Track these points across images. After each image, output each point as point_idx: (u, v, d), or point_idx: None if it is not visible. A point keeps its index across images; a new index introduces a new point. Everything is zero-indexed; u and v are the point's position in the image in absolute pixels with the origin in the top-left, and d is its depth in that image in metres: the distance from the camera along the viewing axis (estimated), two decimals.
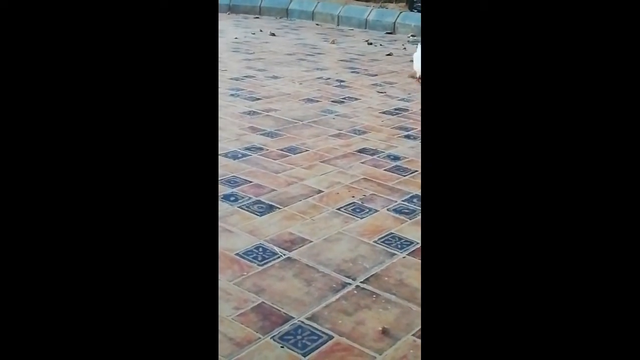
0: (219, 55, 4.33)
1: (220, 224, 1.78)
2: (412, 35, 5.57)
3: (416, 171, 2.28)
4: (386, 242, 1.72)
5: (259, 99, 3.26)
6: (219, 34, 5.31)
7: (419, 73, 3.62)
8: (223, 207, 1.90)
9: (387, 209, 1.94)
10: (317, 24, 6.18)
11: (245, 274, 1.52)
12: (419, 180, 2.17)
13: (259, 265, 1.57)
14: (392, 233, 1.77)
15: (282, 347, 1.25)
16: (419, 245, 1.70)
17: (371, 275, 1.54)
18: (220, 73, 3.80)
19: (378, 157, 2.44)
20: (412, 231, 1.78)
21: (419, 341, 1.29)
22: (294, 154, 2.42)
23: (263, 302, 1.40)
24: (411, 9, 6.09)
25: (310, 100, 3.27)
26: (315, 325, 1.33)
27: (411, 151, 2.51)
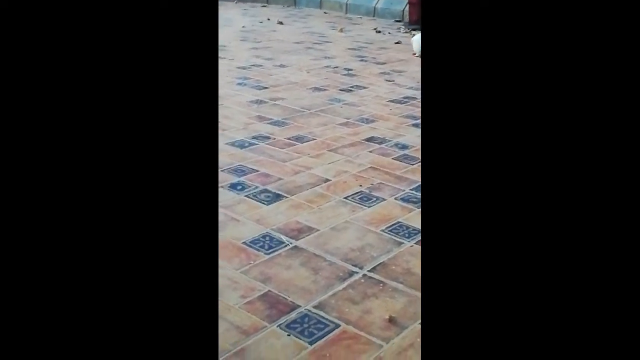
0: (227, 44, 4.32)
1: (227, 212, 1.78)
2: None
3: None
4: (393, 231, 1.71)
5: (266, 87, 3.25)
6: (227, 23, 5.30)
7: (418, 52, 4.13)
8: (230, 196, 1.90)
9: (395, 198, 1.93)
10: (325, 12, 6.15)
11: (252, 262, 1.52)
12: None
13: (265, 254, 1.57)
14: (399, 222, 1.77)
15: (288, 335, 1.25)
16: None
17: (378, 264, 1.53)
18: (227, 62, 3.79)
19: (386, 145, 2.43)
20: (420, 220, 1.78)
21: None
22: (301, 143, 2.41)
23: (270, 290, 1.40)
24: None
25: (317, 89, 3.26)
26: (322, 313, 1.33)
27: (419, 140, 2.49)
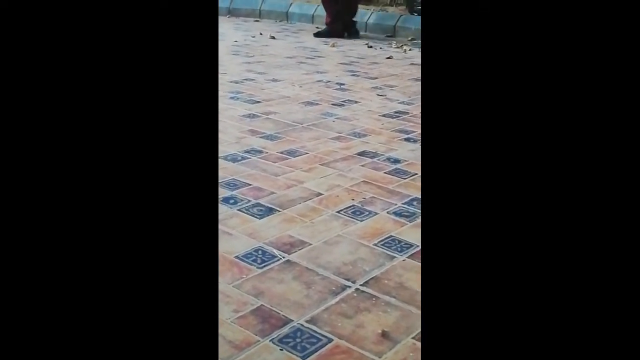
0: (219, 59, 4.33)
1: (219, 226, 1.77)
2: (412, 39, 5.57)
3: (416, 174, 2.28)
4: (386, 245, 1.72)
5: (258, 102, 3.26)
6: (220, 37, 5.32)
7: None
8: (222, 209, 1.90)
9: (387, 212, 1.94)
10: (317, 27, 6.18)
11: (244, 276, 1.52)
12: (419, 183, 2.17)
13: (258, 268, 1.56)
14: (391, 236, 1.77)
15: (281, 350, 1.25)
16: (418, 248, 1.69)
17: (371, 278, 1.54)
18: (220, 76, 3.80)
19: (378, 160, 2.44)
20: (412, 234, 1.78)
21: (418, 344, 1.28)
22: (294, 157, 2.42)
23: (262, 304, 1.40)
24: (411, 12, 6.09)
25: (310, 103, 3.27)
26: (314, 328, 1.32)
27: (411, 154, 2.51)
